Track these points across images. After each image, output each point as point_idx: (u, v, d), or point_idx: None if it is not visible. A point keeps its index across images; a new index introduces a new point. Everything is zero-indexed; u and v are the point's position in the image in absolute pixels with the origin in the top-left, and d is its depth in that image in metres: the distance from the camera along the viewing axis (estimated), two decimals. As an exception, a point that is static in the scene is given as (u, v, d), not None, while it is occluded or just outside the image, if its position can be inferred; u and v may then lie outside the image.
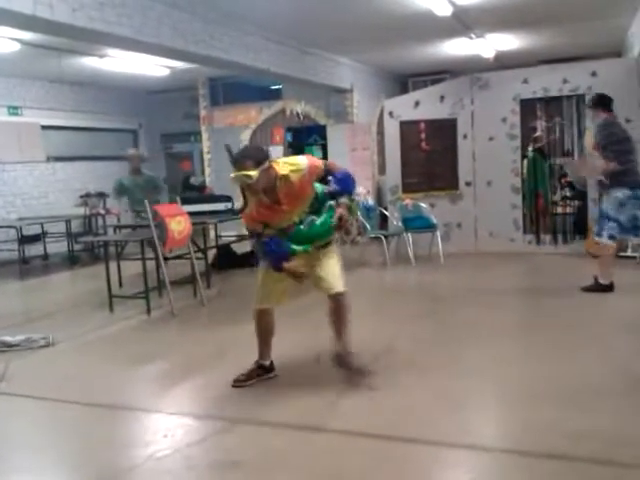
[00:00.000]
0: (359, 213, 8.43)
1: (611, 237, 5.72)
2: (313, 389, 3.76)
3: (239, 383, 3.87)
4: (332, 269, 3.81)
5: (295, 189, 3.56)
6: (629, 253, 7.53)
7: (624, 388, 3.56)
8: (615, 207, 5.64)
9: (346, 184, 3.70)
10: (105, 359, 4.75)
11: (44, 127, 10.99)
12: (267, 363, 3.98)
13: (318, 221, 3.69)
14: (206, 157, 12.31)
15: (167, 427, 3.42)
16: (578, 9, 7.85)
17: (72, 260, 9.57)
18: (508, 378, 3.83)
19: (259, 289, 3.87)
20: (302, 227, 3.67)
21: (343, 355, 3.82)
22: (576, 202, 8.29)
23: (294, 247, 3.66)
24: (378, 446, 3.05)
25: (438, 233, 8.10)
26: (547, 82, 8.18)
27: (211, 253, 8.09)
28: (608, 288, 5.79)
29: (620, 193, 5.60)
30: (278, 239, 3.61)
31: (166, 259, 6.44)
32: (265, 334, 3.91)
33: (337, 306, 3.78)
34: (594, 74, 7.95)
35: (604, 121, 5.81)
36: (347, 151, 10.59)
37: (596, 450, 2.85)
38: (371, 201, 9.12)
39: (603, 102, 5.93)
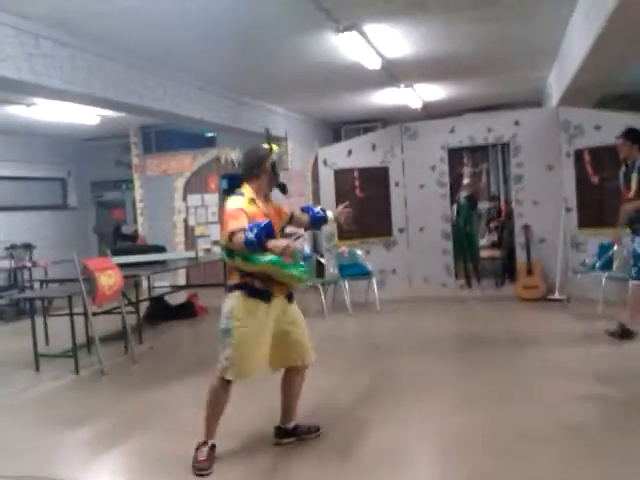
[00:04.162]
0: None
1: None
2: (253, 450, 3.66)
3: (204, 472, 3.36)
4: (306, 331, 3.56)
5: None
6: (556, 296, 7.80)
7: (559, 435, 3.61)
8: None
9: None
10: (29, 423, 4.49)
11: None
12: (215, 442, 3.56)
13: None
14: (139, 205, 12.08)
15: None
16: (499, 61, 8.24)
17: (-5, 315, 9.10)
18: (447, 430, 3.83)
19: (237, 357, 3.31)
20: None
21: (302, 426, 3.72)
22: (504, 247, 8.56)
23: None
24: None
25: (374, 280, 8.17)
26: (473, 131, 8.51)
27: (144, 305, 7.86)
28: (632, 335, 5.55)
29: None
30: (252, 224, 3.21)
31: (95, 314, 6.21)
32: (222, 410, 3.49)
33: (303, 378, 3.61)
34: (517, 123, 8.33)
35: None
36: (282, 198, 10.59)
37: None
38: (307, 248, 9.11)
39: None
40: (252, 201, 3.41)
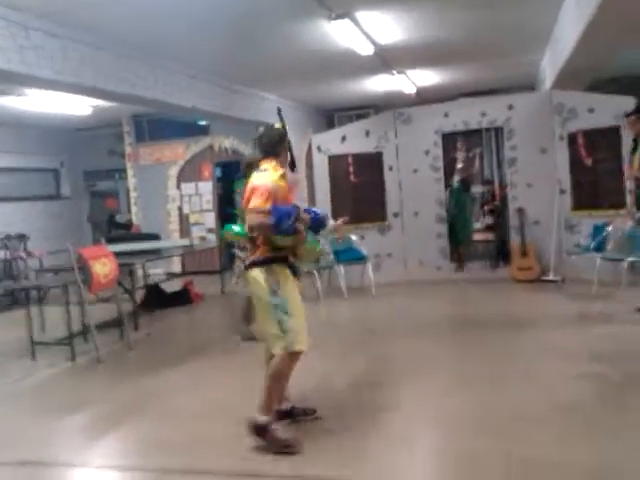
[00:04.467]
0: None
1: None
2: (246, 433, 3.67)
3: (297, 448, 3.33)
4: None
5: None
6: (550, 277, 7.83)
7: (554, 415, 3.64)
8: None
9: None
10: (25, 411, 4.50)
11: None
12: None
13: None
14: (132, 194, 12.05)
15: (94, 483, 3.26)
16: (492, 46, 8.22)
17: (-10, 306, 9.08)
18: (442, 412, 3.85)
19: (300, 326, 3.35)
20: None
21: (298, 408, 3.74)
22: (499, 229, 8.59)
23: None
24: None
25: (369, 264, 8.18)
26: (467, 116, 8.50)
27: (139, 293, 7.86)
28: None
29: None
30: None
31: (94, 302, 6.21)
32: (287, 384, 3.51)
33: None
34: (511, 107, 8.33)
35: None
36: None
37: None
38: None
39: None
40: (283, 176, 3.47)
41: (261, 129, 3.73)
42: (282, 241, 3.33)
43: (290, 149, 3.62)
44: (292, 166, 3.68)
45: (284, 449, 3.31)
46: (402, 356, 5.18)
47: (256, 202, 3.28)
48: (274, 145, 3.55)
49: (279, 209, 3.27)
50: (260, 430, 3.36)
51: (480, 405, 3.88)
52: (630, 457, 3.03)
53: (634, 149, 5.65)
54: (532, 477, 2.93)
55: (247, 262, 3.51)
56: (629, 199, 5.64)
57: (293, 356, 3.36)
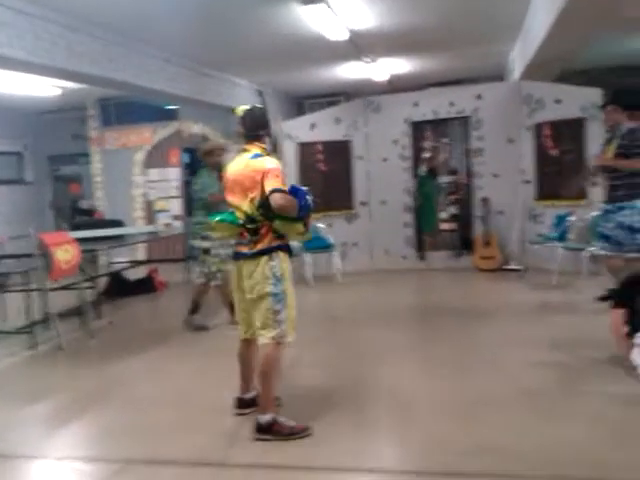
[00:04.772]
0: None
1: None
2: (213, 421, 3.65)
3: (307, 431, 3.35)
4: None
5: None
6: (513, 266, 7.95)
7: (515, 401, 3.70)
8: None
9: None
10: (-16, 401, 4.40)
11: None
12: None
13: None
14: (97, 180, 11.82)
15: (56, 474, 3.20)
16: (463, 35, 8.24)
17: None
18: (406, 397, 3.89)
19: (291, 318, 3.38)
20: None
21: None
22: (463, 219, 8.67)
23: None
24: (281, 477, 2.99)
25: (336, 253, 8.19)
26: (436, 105, 8.53)
27: (102, 281, 7.74)
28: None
29: None
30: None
31: (53, 289, 6.09)
32: (280, 375, 3.49)
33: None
34: (479, 97, 8.39)
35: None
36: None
37: (492, 465, 2.94)
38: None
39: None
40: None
41: (242, 108, 3.54)
42: (283, 228, 3.31)
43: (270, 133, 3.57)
44: (274, 148, 3.65)
45: (297, 436, 3.31)
46: (367, 343, 5.20)
47: (276, 184, 3.20)
48: (259, 127, 3.47)
49: (298, 188, 3.28)
50: (267, 429, 3.31)
51: (443, 390, 3.94)
52: (586, 442, 3.10)
53: (609, 140, 5.66)
54: (489, 461, 2.97)
55: (249, 251, 3.33)
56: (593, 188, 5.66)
57: (281, 346, 3.35)
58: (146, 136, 11.67)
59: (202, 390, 4.25)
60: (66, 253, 5.61)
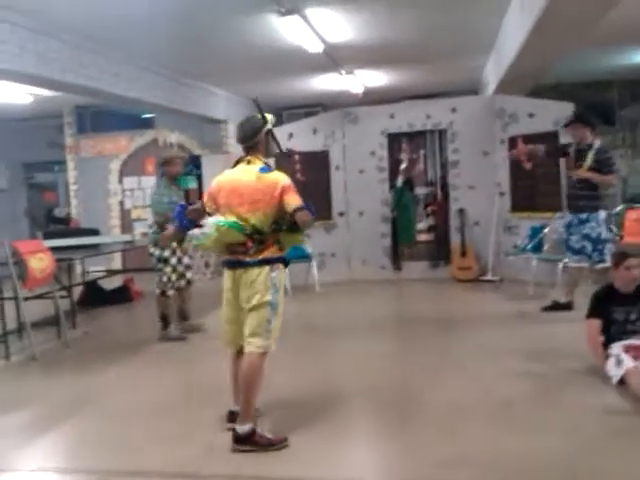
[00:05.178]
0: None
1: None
2: (189, 432, 3.63)
3: (285, 442, 3.35)
4: None
5: None
6: (489, 277, 8.05)
7: (491, 411, 3.74)
8: (604, 228, 5.75)
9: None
10: (-45, 413, 4.31)
11: None
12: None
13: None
14: (72, 188, 11.70)
15: (27, 486, 3.15)
16: (439, 50, 8.37)
17: None
18: (379, 404, 3.91)
19: (280, 324, 3.42)
20: None
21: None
22: (440, 230, 8.76)
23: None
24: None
25: (314, 263, 8.21)
26: (412, 117, 8.63)
27: (77, 290, 7.66)
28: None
29: (604, 213, 5.76)
30: None
31: (27, 298, 6.01)
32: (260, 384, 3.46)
33: None
34: (454, 110, 8.50)
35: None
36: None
37: (468, 476, 2.96)
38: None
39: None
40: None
41: (241, 121, 3.61)
42: (288, 239, 3.41)
43: (275, 139, 3.61)
44: (287, 155, 3.69)
45: (275, 448, 3.30)
46: (343, 354, 5.21)
47: (297, 200, 3.34)
48: (248, 138, 3.49)
49: (307, 202, 3.39)
50: (246, 439, 3.29)
51: (419, 401, 3.96)
52: (562, 452, 3.13)
53: (580, 154, 5.89)
54: (465, 472, 3.00)
55: (251, 259, 3.33)
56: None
57: (265, 356, 3.38)
58: (122, 144, 11.60)
59: (178, 401, 4.23)
60: (41, 262, 5.55)
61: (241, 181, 3.41)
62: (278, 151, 3.64)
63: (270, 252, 3.35)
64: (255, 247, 3.33)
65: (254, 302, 3.32)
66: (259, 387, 3.39)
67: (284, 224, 3.36)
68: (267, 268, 3.33)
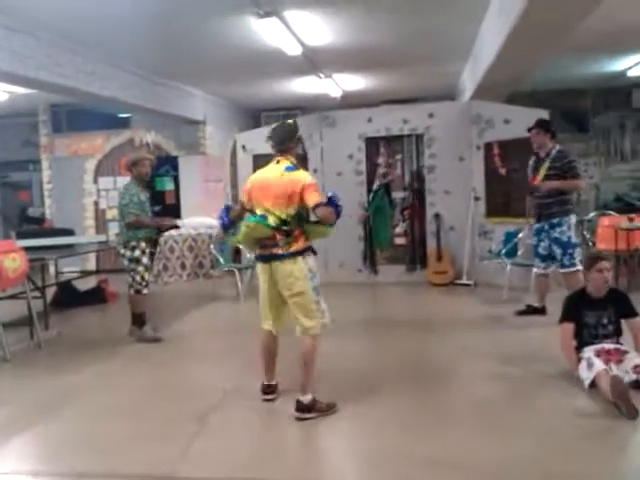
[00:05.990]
0: (212, 246, 8.36)
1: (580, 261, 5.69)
2: (164, 434, 3.61)
3: (335, 408, 3.85)
4: None
5: None
6: (464, 281, 8.13)
7: (466, 414, 3.78)
8: (574, 232, 5.85)
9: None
10: None
11: None
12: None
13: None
14: (46, 187, 11.56)
15: (-2, 489, 3.11)
16: (416, 55, 8.46)
17: None
18: (356, 409, 3.92)
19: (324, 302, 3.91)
20: None
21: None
22: (416, 234, 8.82)
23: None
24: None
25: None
26: (389, 122, 8.68)
27: (51, 291, 7.56)
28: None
29: (574, 218, 5.87)
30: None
31: (-1, 299, 5.93)
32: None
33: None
34: (431, 115, 8.57)
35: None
36: (199, 183, 10.49)
37: (444, 478, 2.99)
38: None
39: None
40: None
41: (278, 124, 4.02)
42: (312, 230, 3.74)
43: (302, 142, 3.95)
44: (303, 159, 4.15)
45: (332, 412, 3.79)
46: (320, 355, 5.20)
47: (318, 198, 3.64)
48: (289, 140, 3.83)
49: (331, 198, 3.70)
50: (309, 408, 3.71)
51: (394, 404, 3.98)
52: (536, 455, 3.17)
53: (538, 162, 5.98)
54: (442, 474, 3.03)
55: (284, 252, 3.70)
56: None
57: (319, 337, 3.85)
58: (98, 144, 11.50)
59: (154, 401, 4.20)
60: (13, 262, 5.46)
61: (268, 178, 3.81)
62: (301, 152, 3.96)
63: (298, 245, 3.72)
64: (284, 239, 3.70)
65: (296, 290, 3.74)
66: (315, 363, 3.83)
67: (307, 218, 3.73)
68: (299, 258, 3.71)
